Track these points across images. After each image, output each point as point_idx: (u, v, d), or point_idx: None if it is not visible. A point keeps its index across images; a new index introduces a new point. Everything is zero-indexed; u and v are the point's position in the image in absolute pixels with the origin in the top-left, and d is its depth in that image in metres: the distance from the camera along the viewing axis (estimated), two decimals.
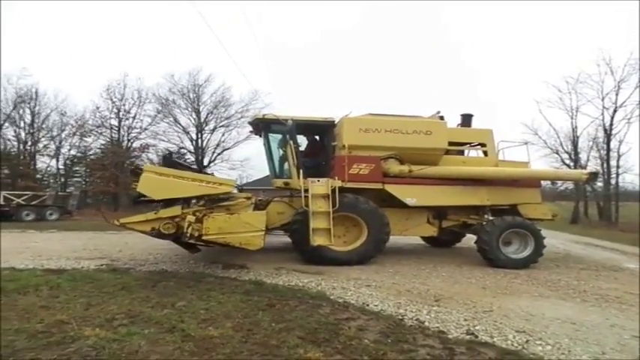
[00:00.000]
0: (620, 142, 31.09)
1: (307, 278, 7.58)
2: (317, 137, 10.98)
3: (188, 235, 7.30)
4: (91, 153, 33.47)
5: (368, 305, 6.03)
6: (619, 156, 31.25)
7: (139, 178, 7.51)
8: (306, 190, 8.76)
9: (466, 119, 11.26)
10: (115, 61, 56.65)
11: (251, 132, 11.32)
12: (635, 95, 29.10)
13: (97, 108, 30.80)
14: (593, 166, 33.27)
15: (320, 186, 8.90)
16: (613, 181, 31.97)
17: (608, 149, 30.94)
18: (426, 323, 5.29)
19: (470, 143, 10.89)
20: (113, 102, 31.12)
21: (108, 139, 31.40)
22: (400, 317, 5.50)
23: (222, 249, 8.89)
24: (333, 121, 10.17)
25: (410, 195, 9.75)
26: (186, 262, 8.78)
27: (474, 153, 11.05)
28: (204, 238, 7.46)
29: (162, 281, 6.85)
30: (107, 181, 28.88)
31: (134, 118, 31.88)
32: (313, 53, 77.71)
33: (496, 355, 4.25)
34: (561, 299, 6.90)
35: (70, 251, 10.03)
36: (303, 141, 10.95)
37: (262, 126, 10.33)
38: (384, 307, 5.97)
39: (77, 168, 35.51)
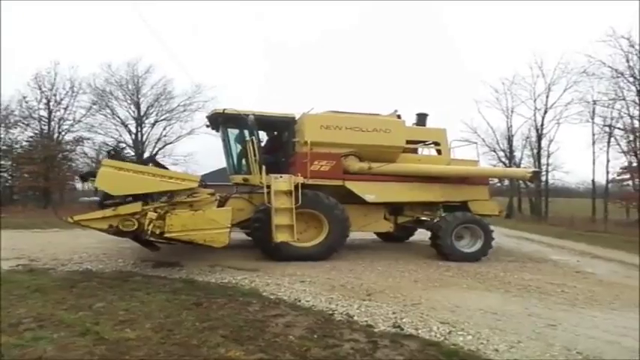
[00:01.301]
0: (550, 141, 33.13)
1: (241, 275, 7.43)
2: (277, 133, 10.82)
3: (149, 232, 7.02)
4: (17, 146, 31.14)
5: (300, 301, 5.98)
6: (549, 154, 33.26)
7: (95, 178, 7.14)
8: (268, 187, 8.62)
9: (421, 118, 11.52)
10: (46, 49, 52.54)
11: (207, 126, 10.95)
12: (564, 97, 31.07)
13: (24, 98, 28.75)
14: (526, 163, 35.28)
15: (282, 182, 8.76)
16: (544, 179, 33.79)
17: (539, 148, 32.85)
18: (355, 318, 5.31)
19: (425, 141, 11.18)
20: (42, 91, 29.11)
21: (37, 132, 29.38)
22: (330, 312, 5.49)
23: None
24: (294, 118, 10.07)
25: (369, 191, 9.87)
26: (114, 261, 8.35)
27: (428, 151, 11.36)
28: (166, 235, 7.19)
29: (83, 282, 6.45)
30: (36, 176, 27.04)
31: (66, 109, 29.99)
32: (311, 53, 76.45)
33: (418, 347, 4.33)
34: (487, 290, 7.18)
35: None
36: (263, 137, 10.70)
37: (221, 120, 10.07)
38: (315, 302, 5.95)
39: (2, 162, 32.94)
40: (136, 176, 7.22)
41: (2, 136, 29.57)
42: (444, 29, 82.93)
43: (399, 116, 10.55)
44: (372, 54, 79.12)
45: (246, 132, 9.61)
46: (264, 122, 9.90)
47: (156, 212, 7.15)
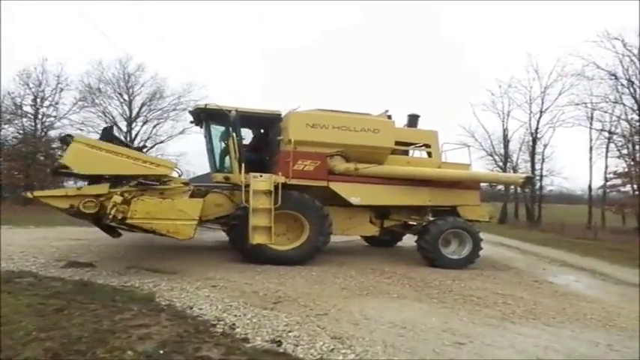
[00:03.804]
0: (545, 145, 32.22)
1: (151, 278, 6.77)
2: (262, 131, 10.37)
3: (110, 216, 6.66)
4: (7, 143, 30.73)
5: (191, 309, 5.33)
6: (543, 159, 32.36)
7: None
8: (247, 186, 8.18)
9: (413, 120, 10.99)
10: (33, 45, 51.51)
11: (191, 122, 10.59)
12: (560, 101, 30.19)
13: (9, 93, 28.34)
14: (523, 168, 34.35)
15: (262, 182, 8.29)
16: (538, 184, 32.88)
17: (534, 152, 32.02)
18: (238, 329, 4.65)
19: (415, 144, 10.60)
20: (30, 88, 28.74)
21: (19, 128, 28.95)
22: (214, 322, 4.84)
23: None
24: (280, 115, 9.62)
25: (354, 194, 9.35)
26: (25, 260, 7.68)
27: (418, 153, 10.80)
28: (128, 221, 6.82)
29: None
30: (17, 173, 26.62)
31: (54, 105, 29.26)
32: (310, 54, 75.67)
33: None
34: (417, 300, 6.49)
35: None
36: (249, 135, 10.45)
37: (204, 116, 9.66)
38: (207, 310, 5.30)
39: None
40: (107, 156, 6.91)
41: None
42: (442, 30, 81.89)
43: (389, 116, 10.01)
44: (370, 55, 78.43)
45: (229, 128, 9.21)
46: (249, 119, 9.54)
47: (122, 196, 6.79)
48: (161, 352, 3.83)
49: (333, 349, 4.23)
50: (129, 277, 6.84)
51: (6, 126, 29.45)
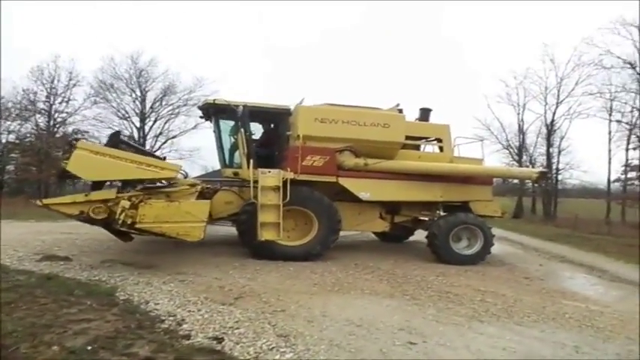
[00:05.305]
0: (562, 138, 31.26)
1: (122, 272, 6.71)
2: (272, 126, 10.28)
3: (120, 221, 6.66)
4: (26, 140, 31.46)
5: (147, 303, 5.24)
6: (559, 152, 31.39)
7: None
8: (256, 181, 8.15)
9: (424, 113, 10.74)
10: (45, 43, 51.77)
11: (201, 117, 10.63)
12: (577, 91, 29.20)
13: (24, 90, 28.71)
14: (541, 162, 33.40)
15: (270, 177, 8.26)
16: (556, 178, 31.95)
17: (549, 145, 31.04)
18: (185, 325, 4.54)
19: (427, 138, 10.46)
20: (43, 84, 29.25)
21: (33, 125, 29.50)
22: (163, 318, 4.72)
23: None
24: (289, 109, 9.54)
25: (364, 189, 9.24)
26: (4, 252, 7.64)
27: (430, 148, 10.64)
28: (137, 226, 6.81)
29: None
30: (29, 168, 27.20)
31: (67, 101, 29.92)
32: (313, 53, 74.54)
33: None
34: (388, 297, 6.28)
35: None
36: (258, 130, 10.31)
37: (212, 111, 9.60)
38: (162, 305, 5.19)
39: (13, 155, 33.43)
40: (111, 161, 6.88)
41: (17, 129, 29.82)
42: (452, 21, 79.41)
43: (400, 110, 9.84)
44: (376, 53, 75.95)
45: (238, 123, 9.17)
46: (258, 114, 9.45)
47: (129, 201, 6.78)
48: (89, 348, 3.73)
49: (273, 347, 4.06)
50: (99, 270, 6.80)
51: (24, 122, 30.17)
